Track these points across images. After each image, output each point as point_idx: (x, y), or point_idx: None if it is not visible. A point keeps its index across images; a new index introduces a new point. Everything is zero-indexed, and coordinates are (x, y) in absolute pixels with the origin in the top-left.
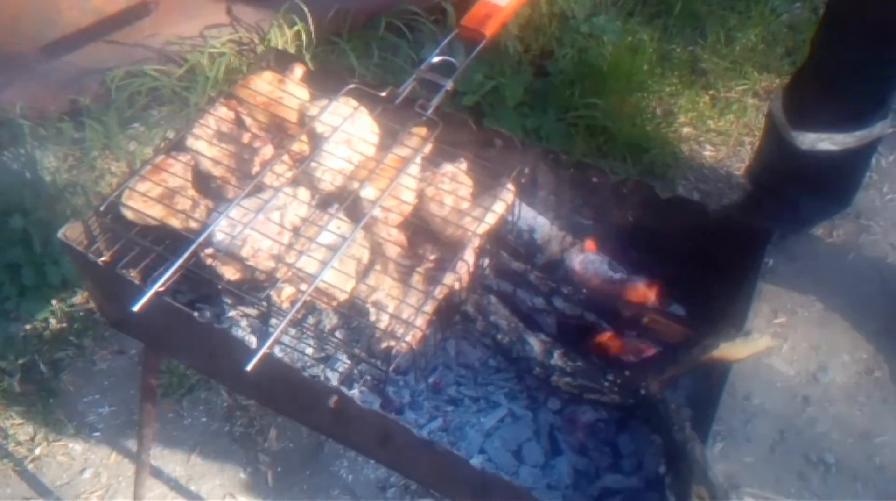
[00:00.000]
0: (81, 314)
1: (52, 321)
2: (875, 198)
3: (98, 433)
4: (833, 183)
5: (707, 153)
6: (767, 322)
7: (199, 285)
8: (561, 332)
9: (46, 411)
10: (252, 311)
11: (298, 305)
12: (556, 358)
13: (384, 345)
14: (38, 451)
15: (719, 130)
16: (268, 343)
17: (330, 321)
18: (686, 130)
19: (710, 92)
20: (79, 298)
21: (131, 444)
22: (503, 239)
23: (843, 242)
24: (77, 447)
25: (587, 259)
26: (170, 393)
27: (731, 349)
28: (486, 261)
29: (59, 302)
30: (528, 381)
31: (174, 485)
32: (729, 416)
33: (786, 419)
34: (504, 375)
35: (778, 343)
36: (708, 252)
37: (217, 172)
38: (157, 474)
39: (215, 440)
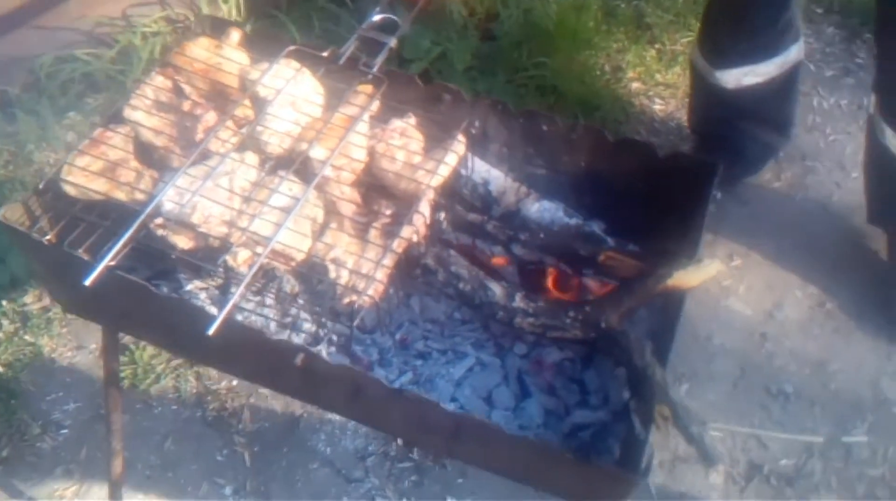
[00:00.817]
0: (34, 312)
1: (5, 322)
2: (819, 140)
3: (66, 431)
4: (768, 117)
5: (657, 107)
6: (725, 266)
7: (154, 262)
8: (522, 279)
9: (9, 412)
10: (210, 284)
11: (256, 267)
12: (518, 301)
13: (346, 301)
14: (4, 453)
15: (667, 83)
16: (229, 305)
17: (291, 287)
18: (635, 85)
19: (657, 46)
20: (30, 297)
21: (101, 438)
22: (458, 194)
23: (791, 184)
24: (45, 445)
25: (543, 207)
26: (136, 384)
27: (684, 277)
28: (443, 215)
29: (9, 303)
30: (494, 329)
31: (150, 474)
32: (692, 358)
33: (746, 356)
34: (470, 326)
35: (725, 269)
36: (659, 191)
37: (159, 142)
38: (132, 465)
39: (188, 426)
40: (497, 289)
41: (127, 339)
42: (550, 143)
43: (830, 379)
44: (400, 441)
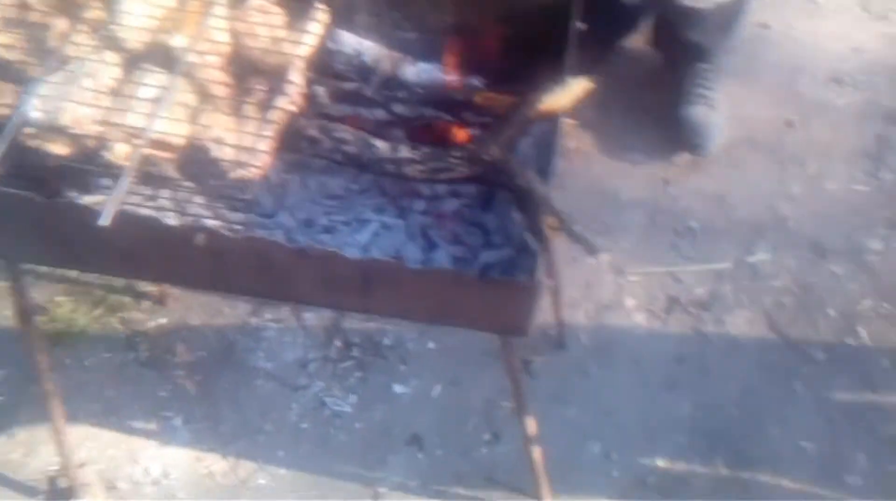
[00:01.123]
0: None
1: None
2: None
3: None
4: None
5: None
6: (617, 129)
7: (37, 185)
8: (407, 134)
9: None
10: (99, 198)
11: (137, 156)
12: (404, 151)
13: (234, 176)
14: None
15: None
16: (119, 191)
17: (180, 179)
18: None
19: None
20: None
21: (38, 398)
22: (333, 69)
23: None
24: None
25: (420, 69)
26: (61, 341)
27: (555, 99)
28: (321, 89)
29: None
30: (391, 192)
31: (95, 421)
32: (603, 215)
33: (652, 204)
34: (368, 194)
35: (592, 86)
36: (526, 33)
37: (12, 56)
38: (75, 417)
39: (123, 370)
40: (382, 145)
41: (40, 298)
42: (415, 4)
43: (731, 210)
44: (339, 343)
